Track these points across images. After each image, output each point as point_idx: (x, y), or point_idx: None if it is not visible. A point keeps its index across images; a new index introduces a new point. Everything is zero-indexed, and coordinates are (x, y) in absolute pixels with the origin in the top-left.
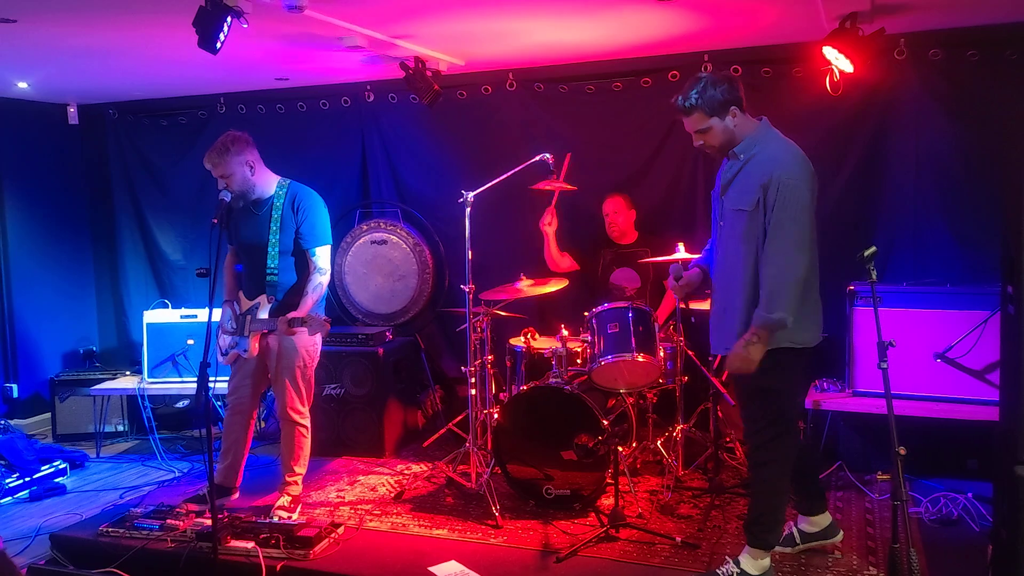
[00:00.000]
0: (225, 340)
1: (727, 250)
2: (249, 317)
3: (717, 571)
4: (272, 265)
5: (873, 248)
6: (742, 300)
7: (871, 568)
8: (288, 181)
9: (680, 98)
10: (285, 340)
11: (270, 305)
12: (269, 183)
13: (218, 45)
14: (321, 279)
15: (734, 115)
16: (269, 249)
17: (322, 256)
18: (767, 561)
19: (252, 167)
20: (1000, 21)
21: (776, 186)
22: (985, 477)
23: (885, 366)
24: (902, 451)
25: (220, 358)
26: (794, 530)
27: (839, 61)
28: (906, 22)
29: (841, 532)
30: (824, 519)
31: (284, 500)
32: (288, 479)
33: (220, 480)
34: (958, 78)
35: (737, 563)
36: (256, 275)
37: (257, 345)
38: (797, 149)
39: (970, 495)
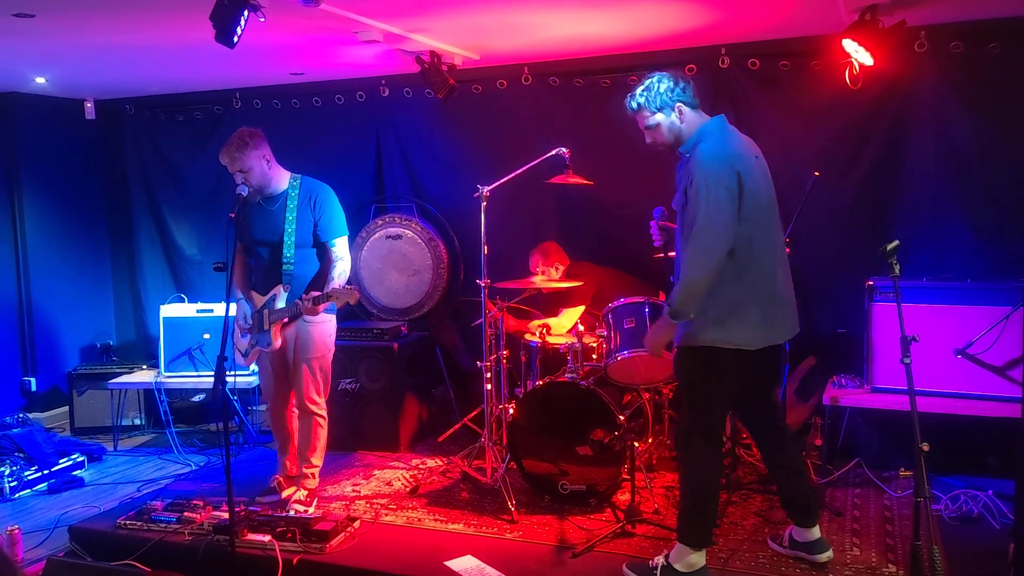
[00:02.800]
0: (243, 341)
1: (677, 247)
2: (266, 311)
3: (649, 561)
4: (288, 254)
5: (896, 242)
6: None
7: (890, 566)
8: (300, 176)
9: (628, 98)
10: (302, 331)
11: (286, 295)
12: (283, 178)
13: (235, 39)
14: (344, 267)
15: (680, 112)
16: (285, 239)
17: (340, 246)
18: (696, 559)
19: (269, 161)
20: (1023, 13)
21: (693, 187)
22: (1006, 474)
23: (908, 361)
24: (925, 447)
25: (240, 360)
26: (659, 561)
27: (859, 54)
28: (927, 14)
29: (829, 551)
30: (811, 534)
31: (301, 494)
32: (305, 471)
33: (283, 472)
34: (979, 71)
35: (667, 556)
36: (271, 269)
37: (279, 335)
38: (725, 147)
39: (990, 492)
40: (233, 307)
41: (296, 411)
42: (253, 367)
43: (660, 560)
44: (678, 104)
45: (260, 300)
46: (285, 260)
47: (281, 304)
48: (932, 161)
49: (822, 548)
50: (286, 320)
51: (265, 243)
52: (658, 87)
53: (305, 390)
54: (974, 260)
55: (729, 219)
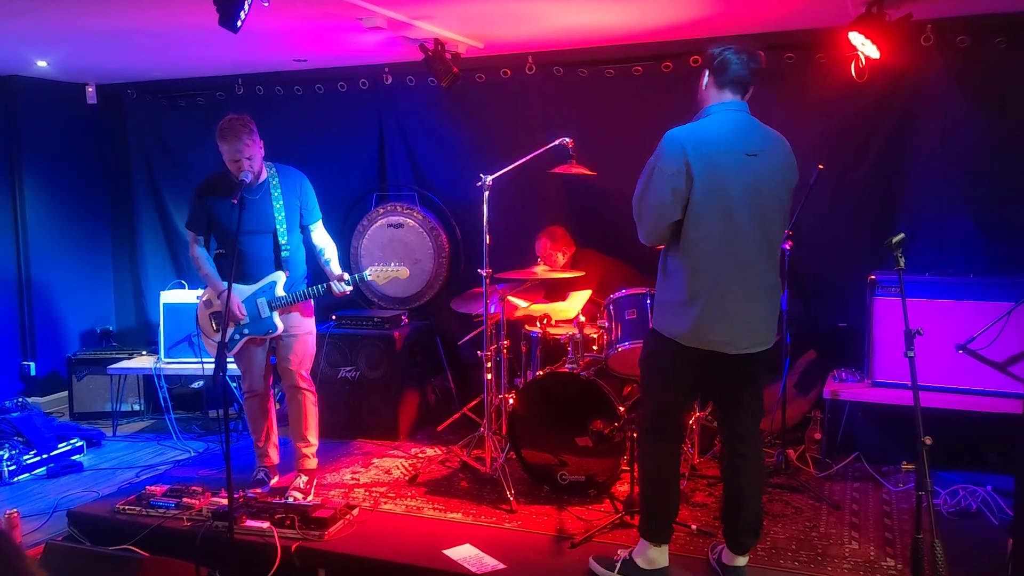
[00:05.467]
0: (231, 334)
1: None
2: (261, 299)
3: (614, 555)
4: (283, 241)
5: (901, 235)
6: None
7: (888, 559)
8: (274, 163)
9: None
10: (292, 312)
11: (287, 279)
12: (264, 165)
13: (239, 23)
14: (334, 248)
15: (703, 79)
16: (278, 226)
17: (321, 227)
18: (657, 556)
19: (262, 147)
20: None
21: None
22: (1005, 470)
23: (912, 355)
24: (928, 441)
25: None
26: (623, 555)
27: (865, 47)
28: (933, 8)
29: None
30: (661, 556)
31: (300, 481)
32: (304, 450)
33: (264, 463)
34: (985, 65)
35: (631, 551)
36: (261, 257)
37: (280, 321)
38: (696, 131)
39: (989, 488)
40: (236, 290)
41: (287, 392)
42: None
43: (623, 553)
44: (707, 71)
45: (247, 290)
46: (283, 247)
47: (280, 291)
48: (937, 155)
49: None
50: (291, 305)
51: (254, 232)
52: (720, 47)
53: (296, 366)
54: (978, 255)
55: (657, 203)
